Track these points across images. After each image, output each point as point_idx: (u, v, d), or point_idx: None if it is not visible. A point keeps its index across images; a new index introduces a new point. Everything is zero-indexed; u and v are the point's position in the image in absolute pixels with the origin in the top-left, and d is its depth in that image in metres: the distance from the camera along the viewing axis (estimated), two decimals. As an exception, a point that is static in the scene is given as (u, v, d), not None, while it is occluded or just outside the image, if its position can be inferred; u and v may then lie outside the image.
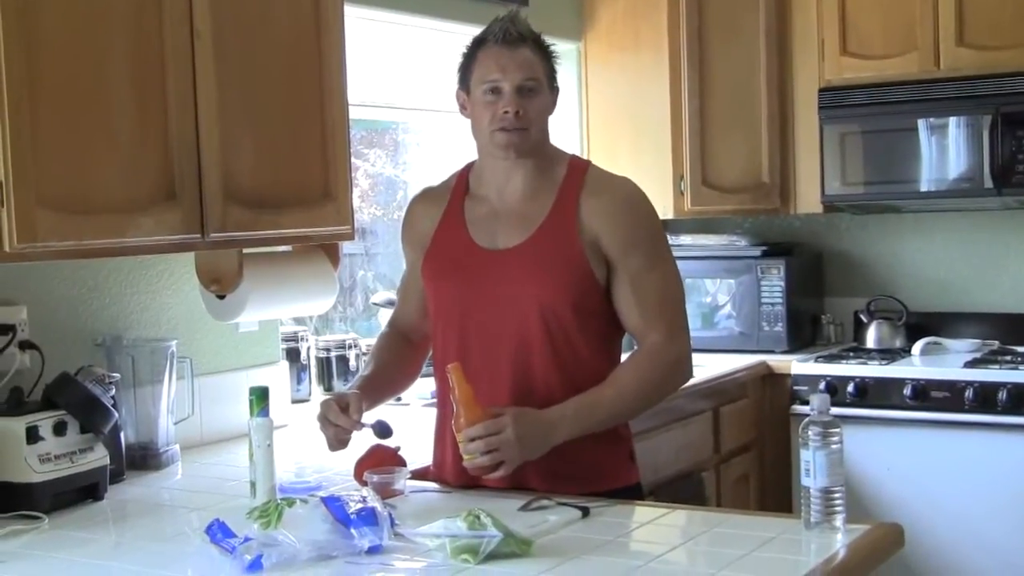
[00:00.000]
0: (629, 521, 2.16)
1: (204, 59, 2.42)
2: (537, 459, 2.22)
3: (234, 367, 3.09)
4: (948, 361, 3.96)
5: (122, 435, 2.56)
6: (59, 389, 2.35)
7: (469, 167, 2.46)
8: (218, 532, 1.89)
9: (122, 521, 2.30)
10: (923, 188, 4.06)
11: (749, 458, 4.00)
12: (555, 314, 2.28)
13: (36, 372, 2.49)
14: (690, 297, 3.76)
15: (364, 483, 2.25)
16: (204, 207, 2.42)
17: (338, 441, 2.26)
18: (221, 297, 2.84)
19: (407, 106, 3.93)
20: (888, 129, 4.06)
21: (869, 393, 3.88)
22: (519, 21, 2.33)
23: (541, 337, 2.28)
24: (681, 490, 3.41)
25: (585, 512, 2.09)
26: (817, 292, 4.56)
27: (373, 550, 1.87)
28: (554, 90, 2.38)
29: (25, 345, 2.52)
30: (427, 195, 2.50)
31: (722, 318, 4.37)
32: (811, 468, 1.91)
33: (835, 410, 1.98)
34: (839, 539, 1.90)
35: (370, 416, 2.29)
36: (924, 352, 4.07)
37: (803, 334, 4.40)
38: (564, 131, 4.19)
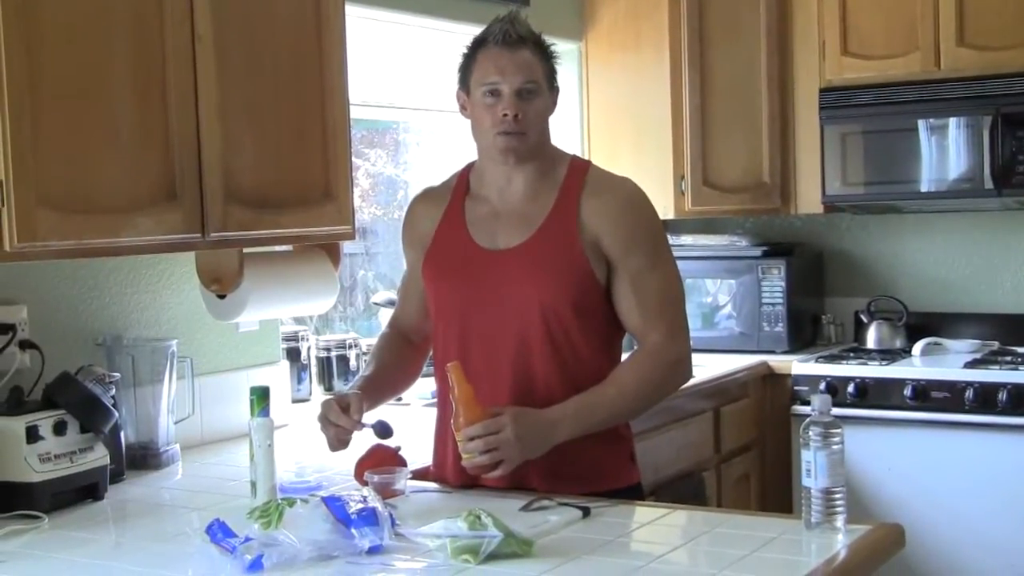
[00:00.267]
0: (630, 521, 2.16)
1: (205, 58, 2.42)
2: (538, 459, 2.22)
3: (234, 367, 3.08)
4: (948, 361, 3.96)
5: (122, 435, 2.56)
6: (59, 388, 2.35)
7: (470, 167, 2.46)
8: (218, 532, 1.88)
9: (122, 521, 2.29)
10: (924, 188, 4.06)
11: (750, 458, 4.00)
12: (556, 314, 2.28)
13: (36, 371, 2.49)
14: (690, 297, 3.76)
15: (365, 483, 2.25)
16: (205, 207, 2.42)
17: (339, 441, 2.26)
18: (222, 297, 2.84)
19: (408, 106, 3.93)
20: (889, 129, 4.06)
21: (869, 393, 3.88)
22: (519, 22, 2.33)
23: (542, 337, 2.28)
24: (682, 490, 3.41)
25: (586, 512, 2.09)
26: (818, 292, 4.56)
27: (374, 550, 1.87)
28: (554, 90, 2.37)
29: (25, 344, 2.52)
30: (428, 195, 2.50)
31: (723, 318, 4.37)
32: (812, 469, 1.91)
33: (835, 410, 1.98)
34: (840, 540, 1.90)
35: (371, 416, 2.29)
36: (924, 352, 4.07)
37: (803, 334, 4.40)
38: (565, 131, 4.19)
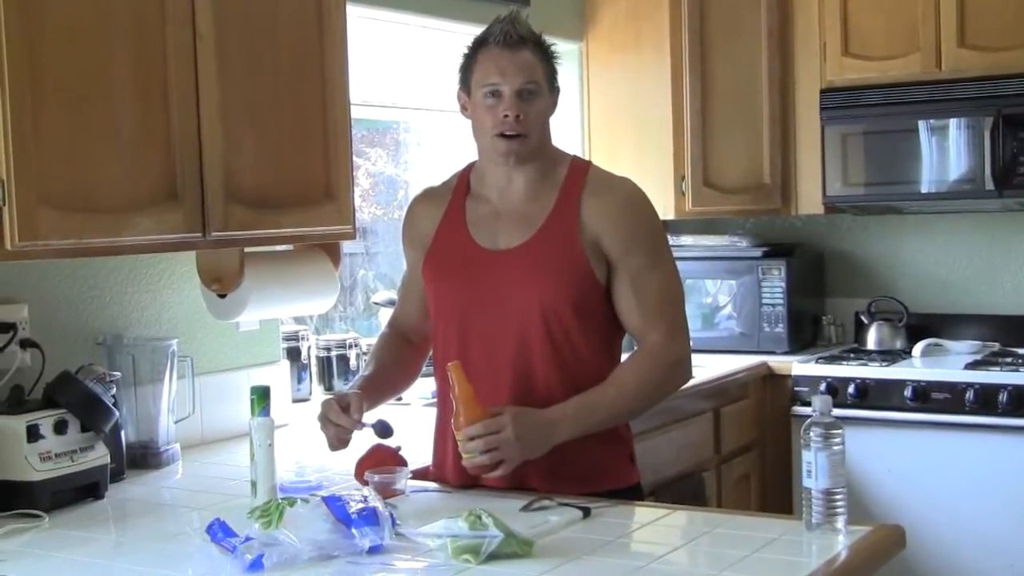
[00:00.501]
0: (630, 522, 2.16)
1: (206, 58, 2.42)
2: (538, 459, 2.22)
3: (235, 366, 3.08)
4: (949, 363, 3.96)
5: (122, 434, 2.56)
6: (60, 388, 2.35)
7: (470, 167, 2.46)
8: (219, 531, 1.88)
9: (122, 520, 2.29)
10: (924, 189, 4.05)
11: (750, 458, 4.00)
12: (556, 314, 2.28)
13: (37, 370, 2.49)
14: (691, 298, 3.76)
15: (365, 483, 2.25)
16: (205, 206, 2.42)
17: (339, 441, 2.26)
18: (222, 296, 2.84)
19: (408, 105, 3.93)
20: (889, 130, 4.06)
21: (870, 394, 3.88)
22: (520, 22, 2.32)
23: (542, 337, 2.28)
24: (682, 491, 3.41)
25: (586, 512, 2.09)
26: (818, 293, 4.56)
27: (374, 550, 1.87)
28: (555, 91, 2.37)
29: (26, 343, 2.52)
30: (428, 195, 2.50)
31: (723, 319, 4.37)
32: (813, 469, 1.91)
33: (836, 411, 1.98)
34: (840, 540, 1.90)
35: (371, 416, 2.29)
36: (925, 353, 4.07)
37: (804, 335, 4.40)
38: (565, 132, 4.18)
